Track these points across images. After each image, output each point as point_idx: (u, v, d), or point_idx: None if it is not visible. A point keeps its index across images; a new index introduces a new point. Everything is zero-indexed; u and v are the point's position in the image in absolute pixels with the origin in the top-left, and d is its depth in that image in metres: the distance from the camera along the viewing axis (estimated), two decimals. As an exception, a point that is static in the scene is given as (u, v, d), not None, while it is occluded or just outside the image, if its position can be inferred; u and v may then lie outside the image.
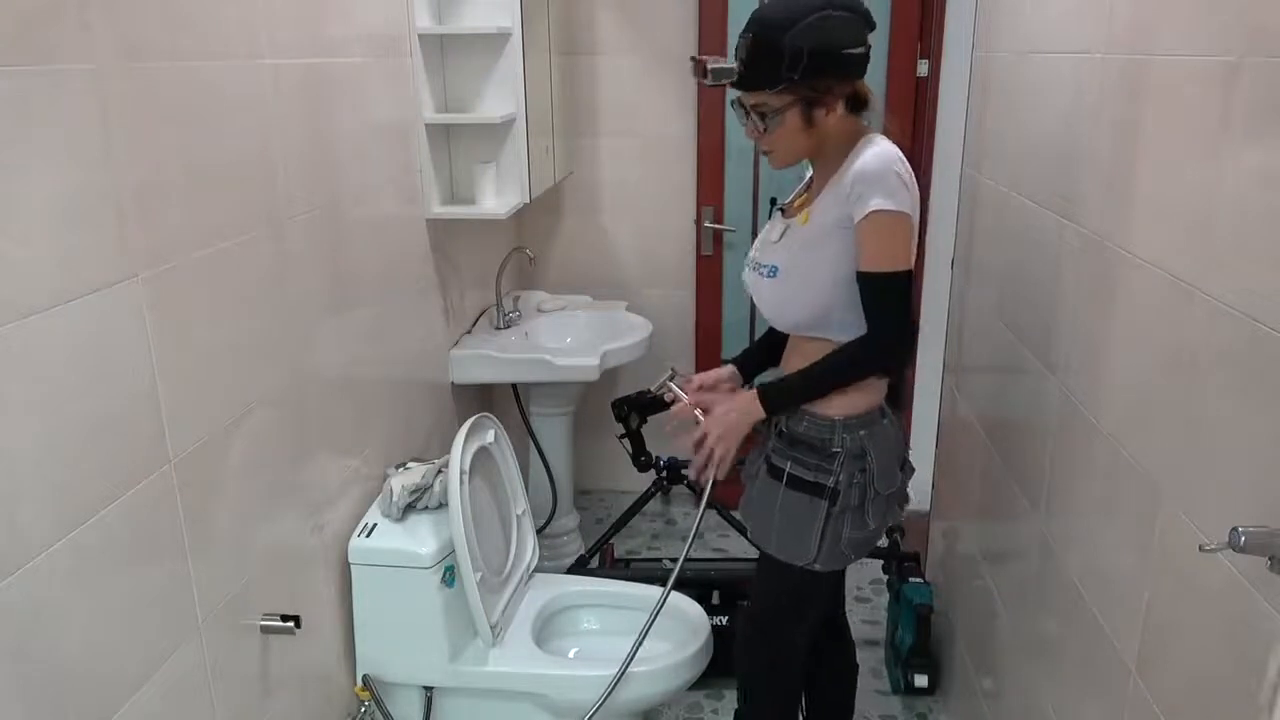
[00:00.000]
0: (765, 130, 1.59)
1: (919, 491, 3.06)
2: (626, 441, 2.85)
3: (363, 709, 1.95)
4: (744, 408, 1.67)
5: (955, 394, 2.47)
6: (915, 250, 1.59)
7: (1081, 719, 1.51)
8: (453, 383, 2.63)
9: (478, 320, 2.87)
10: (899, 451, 1.73)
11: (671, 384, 1.81)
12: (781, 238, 1.68)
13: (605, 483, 3.58)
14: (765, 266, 1.68)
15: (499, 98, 2.43)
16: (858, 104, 1.61)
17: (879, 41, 3.02)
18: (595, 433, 3.29)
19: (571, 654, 2.16)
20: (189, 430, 1.37)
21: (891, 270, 1.55)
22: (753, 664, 1.91)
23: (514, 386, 2.89)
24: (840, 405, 1.64)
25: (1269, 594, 0.98)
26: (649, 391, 1.86)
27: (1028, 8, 1.91)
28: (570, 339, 2.96)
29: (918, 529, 2.79)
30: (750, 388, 1.77)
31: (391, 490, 1.96)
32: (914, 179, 1.57)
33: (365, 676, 1.96)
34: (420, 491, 1.98)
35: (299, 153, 1.69)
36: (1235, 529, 0.93)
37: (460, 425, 2.00)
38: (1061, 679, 1.60)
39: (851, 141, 1.61)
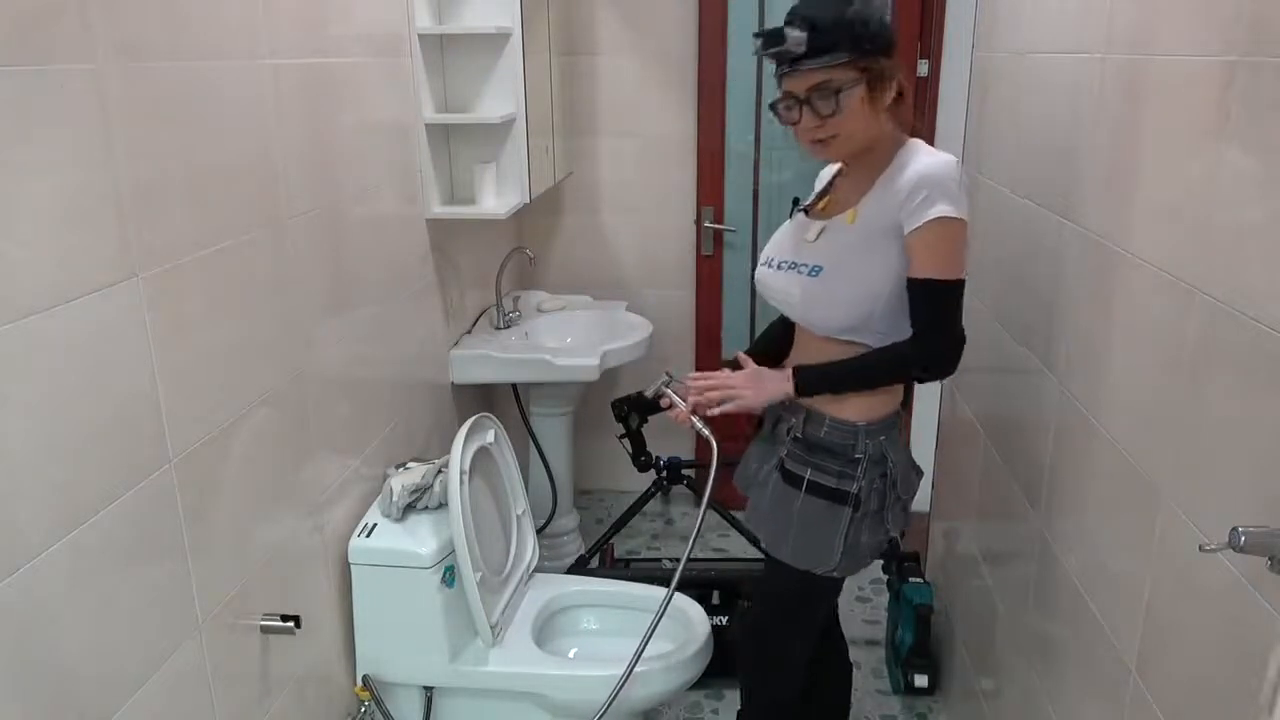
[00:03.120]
0: (832, 112, 1.51)
1: (919, 491, 3.06)
2: (626, 441, 2.84)
3: (363, 709, 1.95)
4: (776, 383, 1.63)
5: (955, 394, 2.47)
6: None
7: (1081, 719, 1.51)
8: (453, 383, 2.63)
9: (478, 320, 2.87)
10: (910, 456, 1.72)
11: (667, 389, 1.80)
12: (819, 237, 1.63)
13: (605, 483, 3.58)
14: (805, 265, 1.62)
15: (499, 98, 2.43)
16: (900, 96, 1.57)
17: (879, 41, 3.05)
18: (595, 433, 3.29)
19: (571, 654, 2.16)
20: (189, 430, 1.37)
21: (950, 278, 1.51)
22: (755, 666, 1.91)
23: (514, 386, 2.89)
24: (863, 410, 1.62)
25: (1269, 594, 0.98)
26: (644, 394, 1.86)
27: (1028, 8, 1.91)
28: (570, 339, 2.96)
29: (918, 529, 2.79)
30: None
31: (391, 490, 1.96)
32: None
33: (365, 676, 1.96)
34: (420, 491, 1.98)
35: (299, 153, 1.69)
36: (1235, 529, 0.93)
37: (460, 425, 2.00)
38: (1061, 679, 1.60)
39: (894, 142, 1.58)
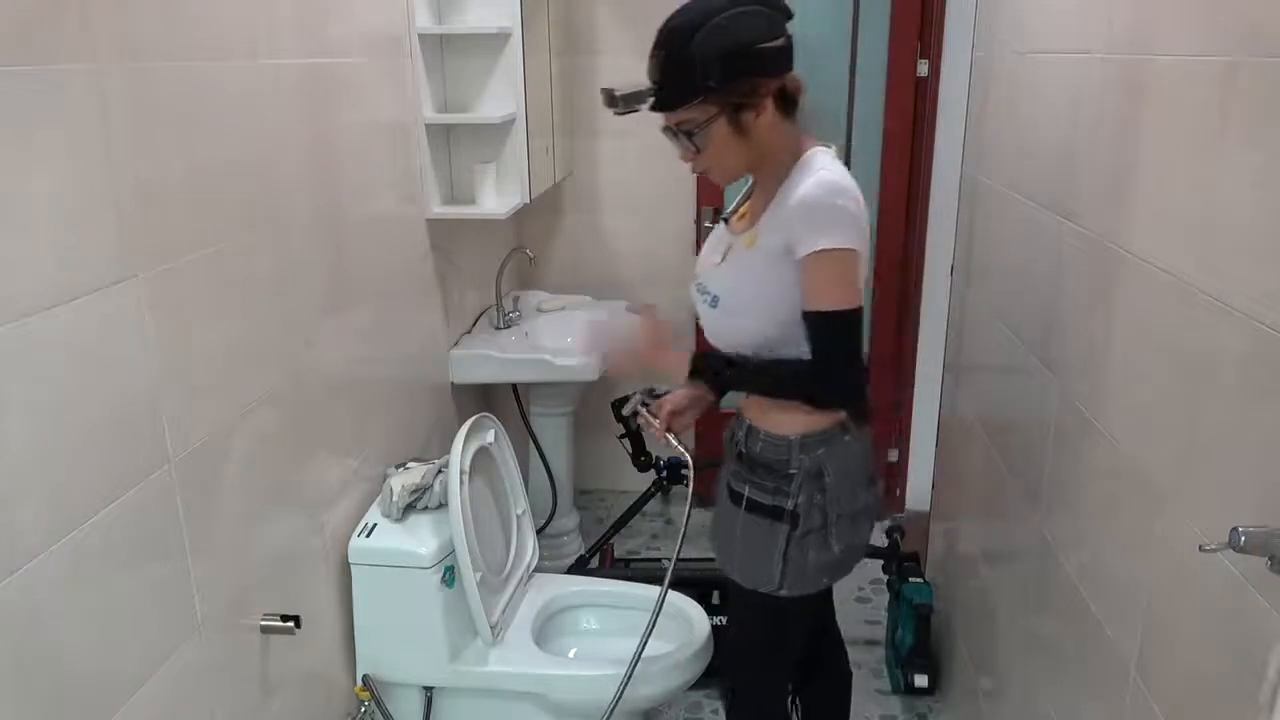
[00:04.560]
0: (698, 149, 1.50)
1: (919, 491, 3.07)
2: (626, 441, 2.85)
3: (363, 709, 1.95)
4: (671, 362, 1.64)
5: (955, 394, 2.47)
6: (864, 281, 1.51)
7: (1081, 719, 1.51)
8: (453, 383, 2.63)
9: (478, 320, 2.87)
10: (863, 469, 1.63)
11: (641, 409, 1.77)
12: (724, 259, 1.60)
13: (605, 483, 3.58)
14: (707, 294, 1.60)
15: (499, 98, 2.43)
16: (788, 102, 1.51)
17: (879, 41, 3.05)
18: (595, 433, 3.29)
19: (571, 654, 2.16)
20: (189, 430, 1.37)
21: (838, 309, 1.46)
22: (734, 686, 1.83)
23: (514, 386, 2.89)
24: (797, 423, 1.56)
25: (1269, 594, 0.98)
26: (623, 408, 1.84)
27: (1028, 8, 1.91)
28: (570, 339, 2.96)
29: (918, 529, 2.79)
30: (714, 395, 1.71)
31: (391, 490, 1.96)
32: (860, 202, 1.48)
33: (365, 676, 1.96)
34: (420, 491, 1.98)
35: (299, 153, 1.69)
36: (1235, 529, 0.93)
37: (460, 425, 2.00)
38: (1061, 679, 1.60)
39: (793, 150, 1.52)
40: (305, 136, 1.71)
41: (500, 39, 2.37)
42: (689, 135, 1.50)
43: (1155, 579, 1.25)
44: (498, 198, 2.50)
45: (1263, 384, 1.01)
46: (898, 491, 3.25)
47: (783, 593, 1.60)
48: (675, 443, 1.73)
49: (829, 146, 1.56)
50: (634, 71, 3.36)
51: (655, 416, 1.75)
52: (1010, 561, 1.93)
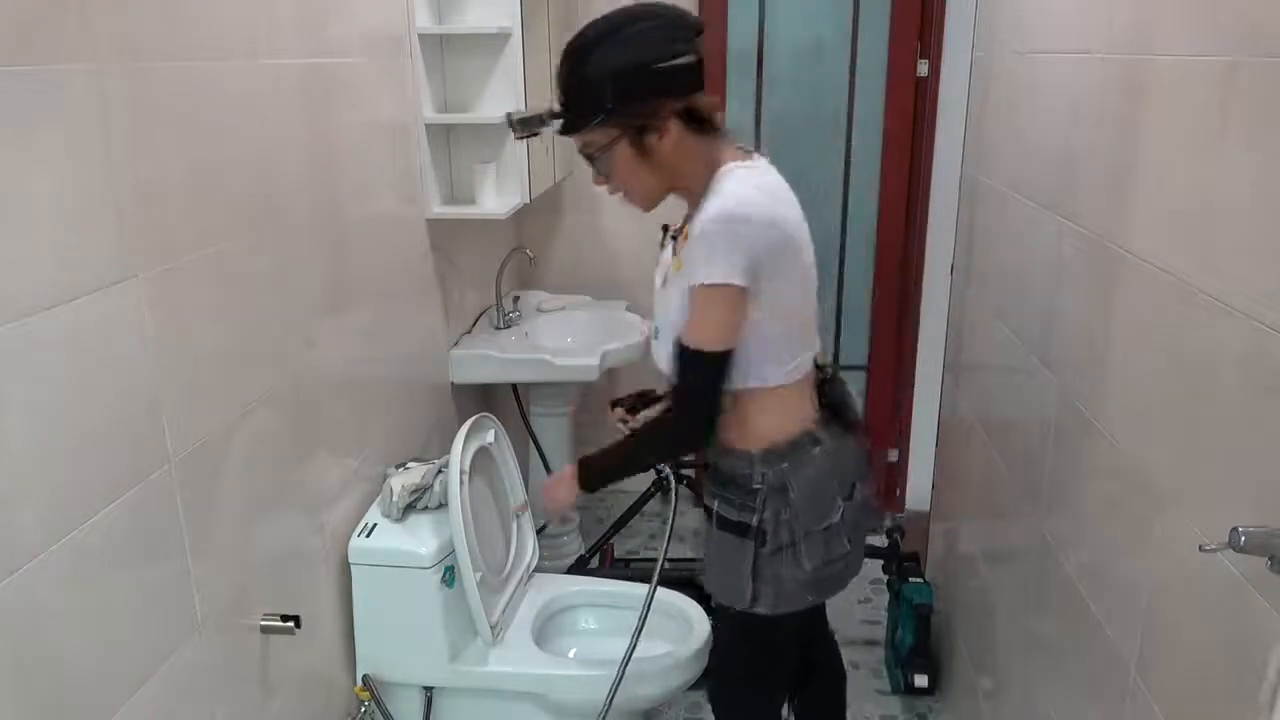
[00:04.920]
0: (608, 172, 1.46)
1: (919, 491, 3.07)
2: (626, 441, 2.84)
3: (363, 709, 1.95)
4: (566, 484, 1.67)
5: (955, 394, 2.47)
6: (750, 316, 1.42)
7: (1081, 719, 1.51)
8: (453, 383, 2.63)
9: (478, 320, 2.87)
10: (838, 481, 1.55)
11: (621, 425, 1.74)
12: (665, 283, 1.54)
13: (605, 483, 3.58)
14: (653, 324, 1.57)
15: (499, 98, 2.43)
16: (698, 121, 1.44)
17: (879, 41, 3.05)
18: (595, 433, 3.29)
19: (571, 654, 2.16)
20: (189, 430, 1.37)
21: (700, 348, 1.40)
22: (723, 702, 1.81)
23: (514, 386, 2.88)
24: (759, 436, 1.51)
25: (1269, 594, 0.98)
26: (652, 391, 1.84)
27: (1028, 8, 1.91)
28: (570, 339, 2.96)
29: (918, 529, 2.79)
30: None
31: (391, 490, 1.96)
32: (769, 222, 1.40)
33: (365, 676, 1.96)
34: (420, 491, 1.98)
35: (299, 153, 1.69)
36: (1235, 529, 0.93)
37: (460, 425, 2.00)
38: (1061, 679, 1.60)
39: (710, 168, 1.46)
40: (305, 136, 1.71)
41: (500, 39, 2.37)
42: (591, 160, 1.46)
43: (1155, 579, 1.25)
44: (498, 198, 2.50)
45: (1263, 384, 1.01)
46: (898, 491, 3.25)
47: (758, 610, 1.55)
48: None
49: (752, 159, 1.49)
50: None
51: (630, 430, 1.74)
52: (1010, 561, 1.93)
